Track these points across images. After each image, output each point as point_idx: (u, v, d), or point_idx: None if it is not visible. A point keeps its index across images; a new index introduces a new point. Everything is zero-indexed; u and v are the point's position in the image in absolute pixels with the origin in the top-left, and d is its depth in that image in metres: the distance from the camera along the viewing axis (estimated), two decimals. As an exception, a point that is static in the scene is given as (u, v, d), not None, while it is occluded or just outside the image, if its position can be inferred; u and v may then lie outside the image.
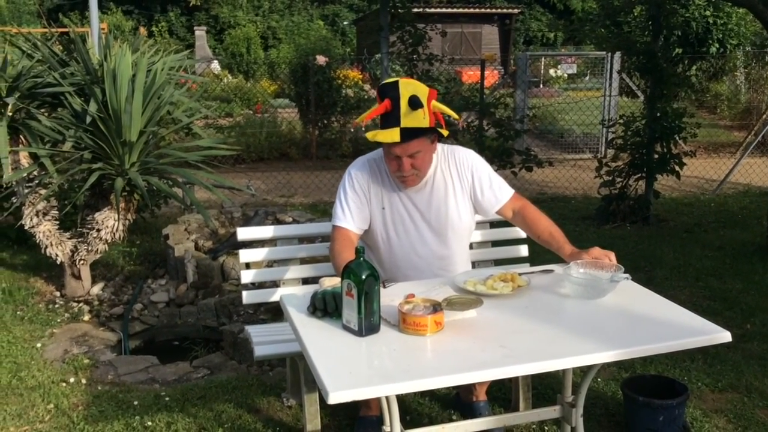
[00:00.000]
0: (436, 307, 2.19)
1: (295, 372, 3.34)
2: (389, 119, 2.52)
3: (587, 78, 16.77)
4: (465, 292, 2.45)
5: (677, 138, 6.35)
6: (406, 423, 3.03)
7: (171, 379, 3.69)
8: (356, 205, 2.72)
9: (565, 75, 18.01)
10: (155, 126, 4.41)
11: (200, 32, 25.02)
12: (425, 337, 2.12)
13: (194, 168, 4.67)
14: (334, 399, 1.82)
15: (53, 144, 4.52)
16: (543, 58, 18.89)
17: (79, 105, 4.37)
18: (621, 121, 6.63)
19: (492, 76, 14.04)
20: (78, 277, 4.78)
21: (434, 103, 2.61)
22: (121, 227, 4.58)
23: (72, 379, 3.59)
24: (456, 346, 2.07)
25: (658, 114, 6.36)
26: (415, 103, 2.50)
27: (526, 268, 2.78)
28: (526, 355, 2.00)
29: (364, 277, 2.12)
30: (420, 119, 2.52)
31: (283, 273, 3.14)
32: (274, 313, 4.15)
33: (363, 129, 10.66)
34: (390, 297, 2.34)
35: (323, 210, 7.06)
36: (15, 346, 3.99)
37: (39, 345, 4.02)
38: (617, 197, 6.51)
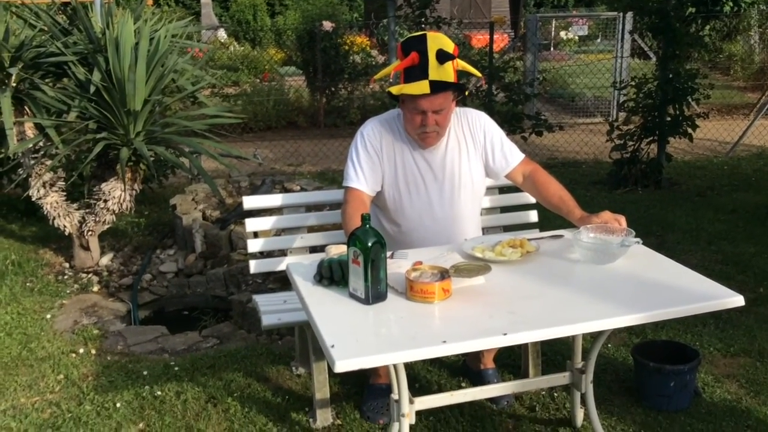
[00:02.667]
0: (443, 274, 2.16)
1: (303, 341, 3.33)
2: (415, 72, 2.48)
3: (599, 40, 16.52)
4: (473, 259, 2.41)
5: (690, 99, 6.24)
6: (414, 391, 3.02)
7: (180, 349, 3.70)
8: (369, 165, 2.68)
9: (576, 37, 17.75)
10: (160, 95, 4.36)
11: (206, 0, 24.74)
12: (433, 304, 2.10)
13: (200, 137, 4.63)
14: (340, 367, 1.80)
15: (58, 114, 4.48)
16: (553, 20, 18.57)
17: (82, 74, 4.32)
18: (633, 83, 6.51)
19: (502, 39, 13.83)
20: (87, 248, 4.78)
21: (458, 60, 2.56)
22: (128, 197, 4.56)
23: (81, 350, 3.60)
24: (464, 313, 2.04)
25: (671, 75, 6.25)
26: (444, 56, 2.47)
27: (535, 233, 2.74)
28: (534, 321, 1.97)
29: (370, 244, 2.09)
30: (448, 73, 2.49)
31: (290, 242, 3.11)
32: (283, 282, 4.13)
33: (383, 89, 10.58)
34: (397, 264, 2.32)
35: (332, 178, 7.01)
36: (25, 317, 4.00)
37: (49, 316, 4.03)
38: (629, 161, 6.42)
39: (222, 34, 21.23)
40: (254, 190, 5.13)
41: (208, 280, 4.50)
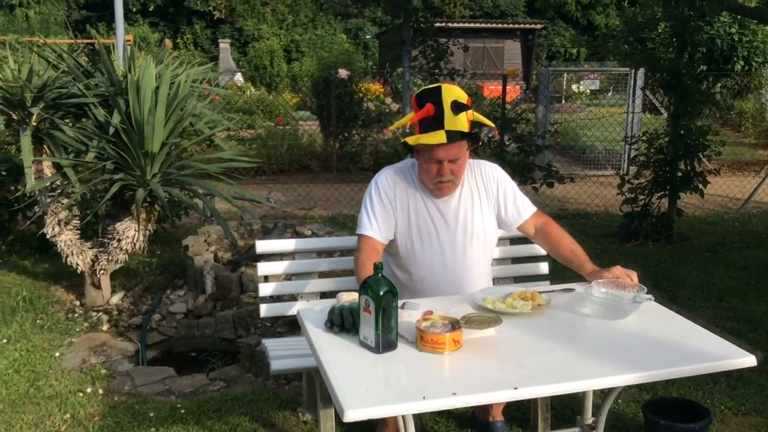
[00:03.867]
0: (454, 325, 2.17)
1: (311, 386, 3.31)
2: (431, 123, 2.54)
3: (609, 94, 16.69)
4: (484, 310, 2.42)
5: (701, 156, 6.28)
6: (422, 441, 2.99)
7: (187, 391, 3.69)
8: (382, 213, 2.71)
9: (588, 91, 17.95)
10: (177, 137, 4.43)
11: (224, 45, 25.23)
12: (443, 355, 2.10)
13: (215, 179, 4.69)
14: (349, 417, 1.80)
15: (76, 154, 4.56)
16: (565, 74, 18.81)
17: (102, 116, 4.40)
18: (644, 138, 6.56)
19: (513, 91, 14.00)
20: (98, 287, 4.81)
21: (471, 111, 2.61)
22: (141, 237, 4.60)
23: (89, 389, 3.60)
24: (474, 365, 2.04)
25: (682, 131, 6.30)
26: (458, 107, 2.53)
27: (546, 286, 2.74)
28: (545, 376, 1.96)
29: (382, 293, 2.10)
30: (463, 123, 2.55)
31: (301, 287, 3.13)
32: (292, 326, 4.13)
33: (396, 137, 10.67)
34: (408, 313, 2.32)
35: (342, 223, 7.06)
36: (33, 354, 4.01)
37: (57, 354, 4.03)
38: (640, 215, 6.43)
39: (239, 78, 21.61)
40: (266, 233, 5.16)
41: (217, 322, 4.51)
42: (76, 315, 4.67)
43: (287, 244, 3.18)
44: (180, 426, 3.24)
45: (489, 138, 7.21)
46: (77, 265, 4.68)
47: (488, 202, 2.80)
